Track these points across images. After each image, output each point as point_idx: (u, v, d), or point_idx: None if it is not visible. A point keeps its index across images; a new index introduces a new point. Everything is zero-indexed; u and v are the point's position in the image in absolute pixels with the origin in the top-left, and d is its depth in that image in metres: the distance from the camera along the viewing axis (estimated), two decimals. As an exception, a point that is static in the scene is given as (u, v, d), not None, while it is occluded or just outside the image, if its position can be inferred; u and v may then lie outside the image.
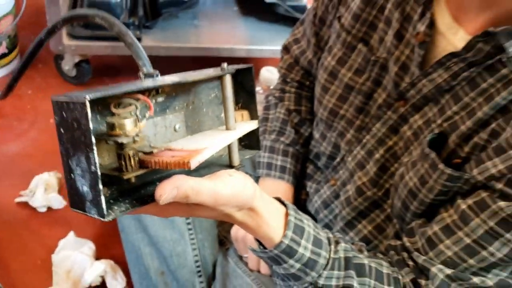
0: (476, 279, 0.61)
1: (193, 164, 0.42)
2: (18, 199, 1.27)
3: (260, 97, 1.49)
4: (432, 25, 0.66)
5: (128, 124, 0.42)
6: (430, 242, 0.64)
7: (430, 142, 0.65)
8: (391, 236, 0.76)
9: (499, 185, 0.59)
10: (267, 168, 0.89)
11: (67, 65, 1.62)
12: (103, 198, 0.39)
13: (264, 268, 0.84)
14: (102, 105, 0.43)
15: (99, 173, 0.39)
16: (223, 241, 0.94)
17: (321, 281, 0.58)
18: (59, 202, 1.27)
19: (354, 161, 0.78)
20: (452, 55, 0.62)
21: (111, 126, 0.42)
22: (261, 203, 0.53)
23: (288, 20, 1.79)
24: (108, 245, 1.18)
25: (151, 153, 0.45)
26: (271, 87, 1.47)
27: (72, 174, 0.42)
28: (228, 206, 0.49)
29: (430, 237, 0.64)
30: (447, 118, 0.65)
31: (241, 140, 0.56)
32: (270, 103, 0.96)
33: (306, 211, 0.90)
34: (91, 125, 0.38)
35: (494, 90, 0.60)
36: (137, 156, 0.43)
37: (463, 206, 0.61)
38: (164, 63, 1.45)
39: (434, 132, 0.66)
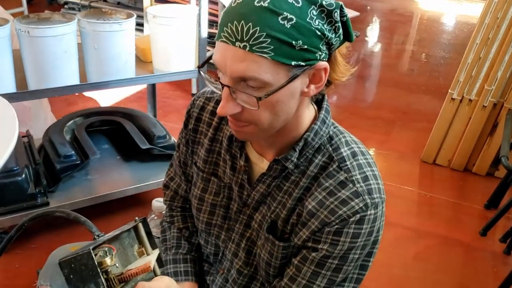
0: None
1: (151, 266, 0.76)
2: None
3: (155, 222, 1.83)
4: (247, 159, 0.90)
5: (108, 260, 0.73)
6: None
7: (267, 229, 0.88)
8: None
9: (309, 243, 0.83)
10: (174, 275, 1.04)
11: (-13, 240, 1.81)
12: None
13: None
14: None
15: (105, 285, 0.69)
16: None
17: None
18: None
19: (231, 253, 0.99)
20: (263, 174, 0.87)
21: (100, 264, 0.72)
22: (176, 285, 0.83)
23: (164, 157, 2.14)
24: None
25: (121, 273, 0.76)
26: (163, 212, 1.83)
27: None
28: None
29: (284, 287, 0.88)
30: (273, 211, 0.88)
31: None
32: (164, 227, 1.13)
33: None
34: (96, 262, 0.68)
35: (291, 189, 0.85)
36: (115, 277, 0.74)
37: (296, 262, 0.85)
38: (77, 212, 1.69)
39: (268, 222, 0.88)
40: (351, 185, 0.81)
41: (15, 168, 1.82)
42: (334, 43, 0.75)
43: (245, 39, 0.70)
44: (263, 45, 0.69)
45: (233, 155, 0.93)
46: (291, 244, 0.87)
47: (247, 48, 0.70)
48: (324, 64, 0.76)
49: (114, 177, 2.12)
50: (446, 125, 2.80)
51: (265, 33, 0.69)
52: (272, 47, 0.69)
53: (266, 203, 0.90)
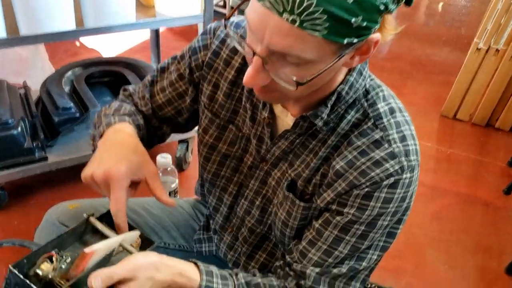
0: (335, 270, 0.79)
1: (87, 250, 0.67)
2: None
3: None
4: (271, 111, 0.83)
5: (46, 266, 0.68)
6: (302, 254, 0.81)
7: (287, 187, 0.83)
8: (279, 257, 0.94)
9: (334, 206, 0.77)
10: (106, 125, 0.89)
11: (-17, 196, 1.73)
12: None
13: None
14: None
15: None
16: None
17: None
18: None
19: (242, 210, 0.95)
20: (287, 131, 0.80)
21: (37, 274, 0.67)
22: (170, 261, 0.72)
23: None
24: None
25: (67, 271, 0.69)
26: (168, 169, 1.74)
27: None
28: (143, 271, 0.68)
29: (301, 250, 0.81)
30: (294, 170, 0.82)
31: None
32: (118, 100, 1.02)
33: (218, 258, 1.09)
34: (27, 280, 0.64)
35: (317, 148, 0.79)
36: (62, 278, 0.68)
37: (317, 225, 0.80)
38: (72, 172, 1.61)
39: (288, 180, 0.83)
40: (386, 145, 0.74)
41: (9, 121, 1.72)
42: (392, 10, 0.64)
43: (295, 12, 0.58)
44: (317, 22, 0.58)
45: (254, 104, 0.85)
46: (312, 205, 0.81)
47: (296, 24, 0.58)
48: (376, 36, 0.65)
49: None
50: (470, 77, 2.63)
51: (322, 8, 0.57)
52: (326, 24, 0.58)
53: (287, 160, 0.84)
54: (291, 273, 0.84)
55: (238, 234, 0.99)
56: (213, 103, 0.91)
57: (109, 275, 0.66)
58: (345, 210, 0.77)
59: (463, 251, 1.90)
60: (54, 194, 1.92)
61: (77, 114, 1.88)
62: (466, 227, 2.02)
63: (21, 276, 0.65)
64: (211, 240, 1.10)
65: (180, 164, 2.08)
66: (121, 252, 0.76)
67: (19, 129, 1.73)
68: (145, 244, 0.81)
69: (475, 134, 2.65)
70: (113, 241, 0.74)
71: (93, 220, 0.79)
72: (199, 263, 0.78)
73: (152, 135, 1.01)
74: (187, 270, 0.75)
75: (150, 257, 0.71)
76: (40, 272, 0.68)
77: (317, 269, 0.80)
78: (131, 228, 0.80)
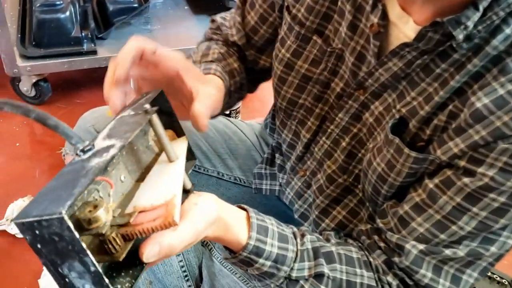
0: (448, 251, 0.64)
1: (177, 219, 0.44)
2: (-5, 229, 1.27)
3: None
4: (384, 16, 0.67)
5: (103, 215, 0.40)
6: (402, 221, 0.66)
7: (392, 128, 0.66)
8: (365, 219, 0.79)
9: (462, 163, 0.61)
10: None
11: (25, 86, 1.60)
12: None
13: None
14: None
15: (100, 270, 0.38)
16: (206, 242, 0.97)
17: (294, 274, 0.61)
18: (37, 225, 1.26)
19: (322, 151, 0.80)
20: (405, 45, 0.63)
21: (88, 222, 0.40)
22: (224, 212, 0.56)
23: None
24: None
25: (127, 223, 0.44)
26: None
27: (66, 279, 0.40)
28: (204, 233, 0.53)
29: (401, 216, 0.65)
30: (406, 104, 0.66)
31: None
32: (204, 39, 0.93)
33: (281, 200, 0.93)
34: (77, 235, 0.37)
35: (448, 74, 0.62)
36: (118, 234, 0.42)
37: (431, 185, 0.63)
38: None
39: (395, 118, 0.67)
40: None
41: (57, 3, 1.55)
42: None
43: None
44: None
45: (358, 5, 0.68)
46: (428, 157, 0.63)
47: None
48: None
49: (178, 31, 1.82)
50: None
51: None
52: None
53: (397, 90, 0.67)
54: (381, 244, 0.68)
55: (311, 180, 0.83)
56: (298, 5, 0.75)
57: (176, 242, 0.49)
58: (480, 170, 0.59)
59: None
60: (102, 95, 1.72)
61: (135, 4, 1.69)
62: None
63: (76, 233, 0.37)
64: (275, 178, 0.95)
65: (246, 80, 1.81)
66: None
67: (68, 13, 1.55)
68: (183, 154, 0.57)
69: None
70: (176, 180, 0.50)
71: (155, 119, 0.51)
72: (252, 213, 0.60)
73: (251, 74, 0.89)
74: (236, 224, 0.59)
75: (210, 212, 0.54)
76: (95, 220, 0.40)
77: (421, 246, 0.64)
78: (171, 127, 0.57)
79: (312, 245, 0.63)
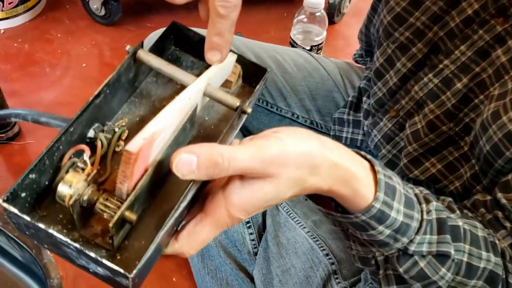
0: None
1: (131, 148, 0.33)
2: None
3: (303, 26, 1.35)
4: None
5: (65, 190, 0.35)
6: None
7: None
8: (465, 178, 0.64)
9: None
10: None
11: (95, 4, 1.51)
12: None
13: None
14: None
15: (77, 245, 0.34)
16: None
17: (412, 247, 0.46)
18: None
19: (424, 91, 0.67)
20: None
21: (62, 200, 0.35)
22: (343, 156, 0.41)
23: None
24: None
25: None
26: (316, 14, 1.33)
27: (83, 267, 0.37)
28: (290, 168, 0.38)
29: None
30: None
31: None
32: None
33: (362, 150, 0.79)
34: (27, 218, 0.34)
35: None
36: (108, 195, 0.36)
37: None
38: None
39: None
40: None
41: None
42: None
43: None
44: None
45: None
46: None
47: None
48: None
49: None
50: None
51: None
52: None
53: None
54: (507, 224, 0.54)
55: (406, 123, 0.71)
56: None
57: (230, 154, 0.36)
58: None
59: None
60: (174, 19, 1.61)
61: None
62: None
63: (16, 211, 0.34)
64: (358, 126, 0.84)
65: (332, 14, 1.61)
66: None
67: None
68: (250, 73, 0.48)
69: None
70: (189, 92, 0.40)
71: (142, 54, 0.44)
72: (378, 166, 0.45)
73: None
74: (363, 178, 0.43)
75: (305, 141, 0.40)
76: (65, 191, 0.35)
77: None
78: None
79: (438, 215, 0.49)
